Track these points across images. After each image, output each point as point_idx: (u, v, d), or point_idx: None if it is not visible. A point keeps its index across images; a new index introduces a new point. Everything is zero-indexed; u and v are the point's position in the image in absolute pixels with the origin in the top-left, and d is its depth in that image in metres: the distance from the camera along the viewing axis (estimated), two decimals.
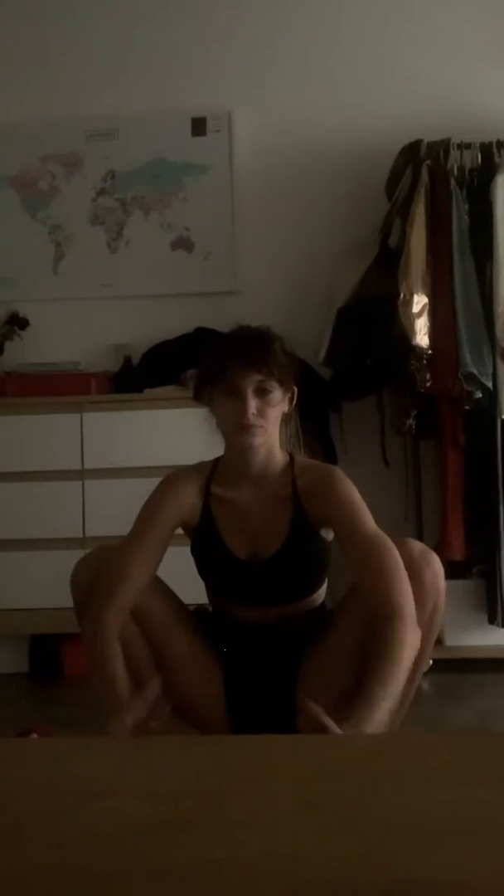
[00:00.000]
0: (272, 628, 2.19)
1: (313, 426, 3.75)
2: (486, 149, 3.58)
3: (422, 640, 1.98)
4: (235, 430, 2.11)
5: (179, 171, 4.04)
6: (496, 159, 3.55)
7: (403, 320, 3.37)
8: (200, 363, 2.25)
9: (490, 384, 3.37)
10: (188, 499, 2.19)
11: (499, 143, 3.56)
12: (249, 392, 2.09)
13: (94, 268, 4.03)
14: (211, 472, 2.23)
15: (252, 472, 2.18)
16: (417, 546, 2.21)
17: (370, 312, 3.53)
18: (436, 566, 2.19)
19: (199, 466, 2.25)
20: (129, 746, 1.35)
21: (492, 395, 3.40)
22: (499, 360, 3.42)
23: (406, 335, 3.35)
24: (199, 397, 2.20)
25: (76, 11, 4.10)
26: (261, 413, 2.10)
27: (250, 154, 4.02)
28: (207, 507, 2.19)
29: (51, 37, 4.10)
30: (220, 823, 0.96)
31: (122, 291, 4.02)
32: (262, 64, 4.04)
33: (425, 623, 2.07)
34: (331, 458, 3.84)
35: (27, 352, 3.89)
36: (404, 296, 3.39)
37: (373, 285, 3.58)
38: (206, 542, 2.19)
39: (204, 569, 2.23)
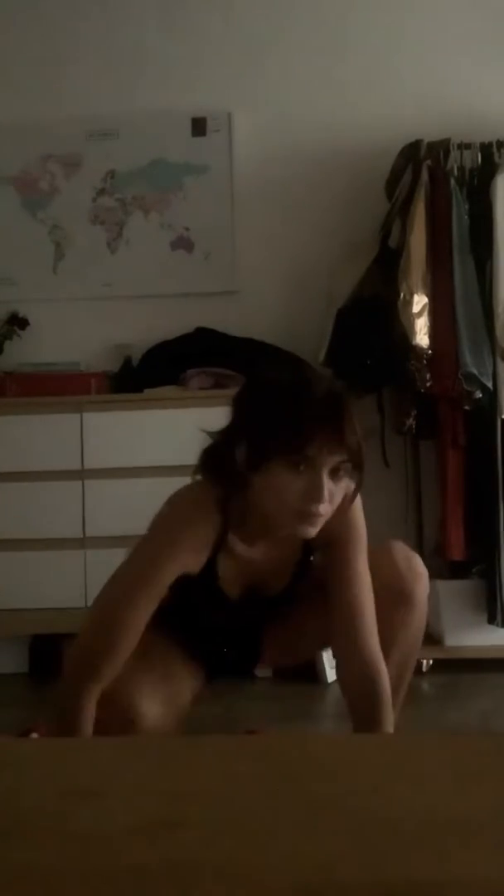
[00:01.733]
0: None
1: None
2: (486, 149, 3.58)
3: (411, 648, 2.00)
4: (296, 515, 1.72)
5: (179, 171, 4.04)
6: (496, 159, 3.55)
7: (403, 320, 3.37)
8: (255, 416, 1.77)
9: (490, 384, 3.37)
10: (197, 555, 1.84)
11: (499, 143, 3.57)
12: (326, 473, 1.70)
13: (94, 268, 4.04)
14: (225, 519, 1.84)
15: (275, 538, 1.88)
16: (402, 556, 2.01)
17: (370, 313, 3.53)
18: (424, 580, 2.04)
19: (212, 505, 1.83)
20: (128, 746, 1.35)
21: (492, 395, 3.40)
22: (499, 360, 3.43)
23: (406, 335, 3.35)
24: (249, 446, 1.75)
25: (76, 12, 4.10)
26: (330, 500, 1.72)
27: (250, 154, 4.02)
28: (213, 559, 1.86)
29: (51, 37, 4.10)
30: (220, 824, 0.96)
31: (122, 291, 4.02)
32: (262, 64, 4.04)
33: (413, 636, 2.03)
34: None
35: (27, 352, 3.89)
36: (404, 296, 3.39)
37: (373, 285, 3.58)
38: (199, 586, 1.87)
39: (187, 597, 1.88)
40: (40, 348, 3.92)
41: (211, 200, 4.02)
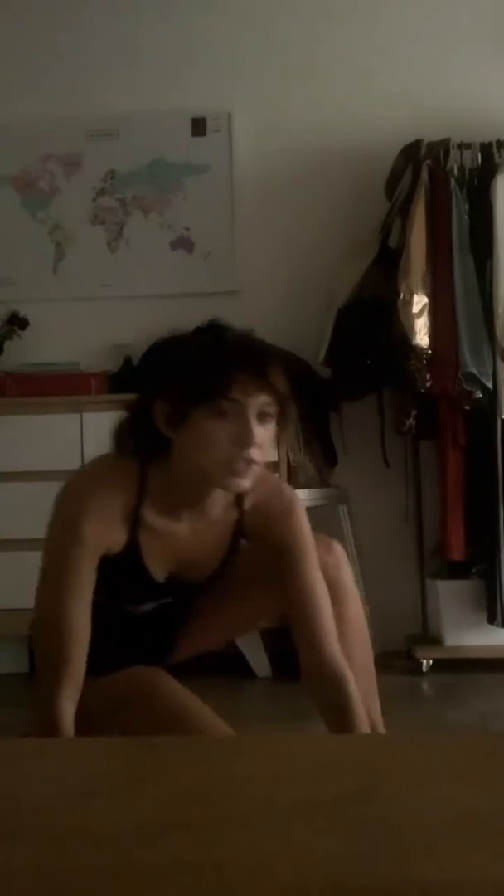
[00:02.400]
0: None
1: (313, 426, 3.76)
2: (486, 149, 3.58)
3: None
4: (226, 465, 1.64)
5: (179, 171, 4.04)
6: (496, 159, 3.55)
7: (403, 320, 3.37)
8: (175, 371, 1.70)
9: (490, 384, 3.37)
10: (112, 533, 1.74)
11: (499, 143, 3.56)
12: (253, 417, 1.63)
13: (94, 268, 4.03)
14: (140, 490, 1.75)
15: (200, 507, 1.79)
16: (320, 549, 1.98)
17: (370, 312, 3.53)
18: (344, 565, 2.05)
19: (121, 477, 1.75)
20: (128, 746, 1.35)
21: (492, 395, 3.40)
22: (499, 360, 3.42)
23: (406, 335, 3.35)
24: (168, 400, 1.67)
25: (77, 11, 4.10)
26: (260, 446, 1.64)
27: (250, 154, 4.02)
28: (134, 536, 1.76)
29: (51, 37, 4.10)
30: (220, 824, 0.96)
31: (122, 291, 4.01)
32: (262, 64, 4.04)
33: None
34: (331, 458, 3.84)
35: (27, 352, 3.89)
36: (404, 296, 3.39)
37: (373, 285, 3.58)
38: (122, 567, 1.77)
39: (110, 581, 1.76)
40: (40, 348, 3.92)
41: (211, 200, 4.02)
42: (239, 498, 1.83)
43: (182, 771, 1.19)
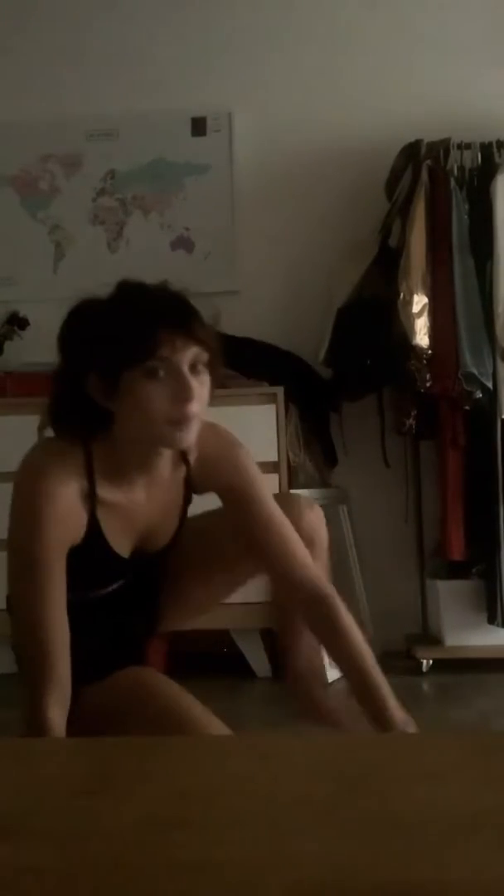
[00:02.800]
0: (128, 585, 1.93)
1: (313, 426, 3.76)
2: (486, 149, 3.58)
3: None
4: (168, 424, 1.61)
5: (179, 171, 4.04)
6: (496, 159, 3.55)
7: (403, 320, 3.37)
8: (99, 340, 1.65)
9: (490, 384, 3.37)
10: (75, 522, 1.69)
11: (499, 143, 3.56)
12: (186, 370, 1.60)
13: (95, 268, 4.03)
14: (89, 470, 1.70)
15: (151, 471, 1.77)
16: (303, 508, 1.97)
17: (370, 312, 3.53)
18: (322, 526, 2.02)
19: (69, 462, 1.69)
20: (129, 746, 1.35)
21: (492, 395, 3.40)
22: (499, 360, 3.42)
23: (406, 335, 3.35)
24: (97, 370, 1.64)
25: (77, 11, 4.10)
26: (198, 398, 1.62)
27: (250, 154, 4.02)
28: (94, 518, 1.72)
29: (51, 36, 4.10)
30: (219, 824, 0.96)
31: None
32: (262, 64, 4.04)
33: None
34: (331, 458, 3.84)
35: (27, 352, 3.88)
36: (404, 296, 3.39)
37: (373, 285, 3.58)
38: (88, 550, 1.73)
39: (76, 570, 1.71)
40: (40, 348, 3.88)
41: (211, 200, 4.02)
42: (184, 453, 1.81)
43: (181, 771, 1.18)
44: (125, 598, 1.90)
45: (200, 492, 1.88)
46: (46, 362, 3.84)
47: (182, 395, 1.59)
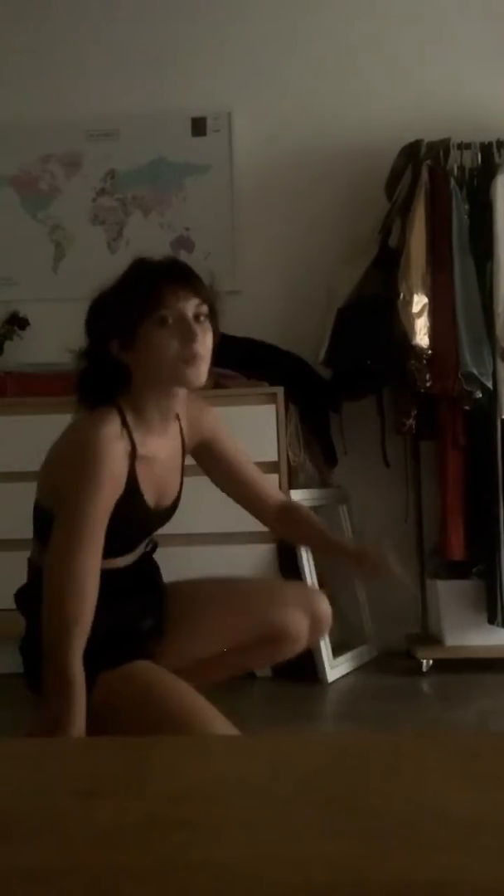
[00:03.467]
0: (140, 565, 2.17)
1: (313, 426, 3.76)
2: (486, 149, 3.58)
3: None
4: (180, 362, 1.89)
5: (179, 171, 4.04)
6: (496, 159, 3.55)
7: (403, 320, 3.37)
8: (116, 304, 1.97)
9: (490, 384, 3.37)
10: (121, 471, 1.93)
11: (499, 143, 3.56)
12: (191, 318, 1.90)
13: (95, 268, 3.98)
14: (124, 424, 1.96)
15: (168, 419, 2.04)
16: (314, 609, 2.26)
17: (370, 312, 3.52)
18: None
19: (109, 420, 1.93)
20: (129, 746, 1.35)
21: (492, 395, 3.40)
22: (499, 360, 3.42)
23: (406, 335, 3.35)
24: (117, 334, 1.93)
25: (76, 11, 4.09)
26: (202, 341, 1.91)
27: (250, 154, 4.02)
28: (133, 469, 1.96)
29: (51, 36, 4.10)
30: (219, 824, 0.96)
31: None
32: (262, 64, 4.03)
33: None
34: (330, 458, 3.84)
35: (27, 352, 3.89)
36: (404, 296, 3.38)
37: (373, 285, 3.57)
38: (124, 503, 1.94)
39: (115, 530, 1.93)
40: (40, 348, 3.90)
41: (211, 200, 4.02)
42: (177, 414, 2.08)
43: (180, 771, 1.18)
44: (134, 586, 2.10)
45: (189, 448, 2.16)
46: (46, 362, 3.89)
47: (189, 336, 1.88)
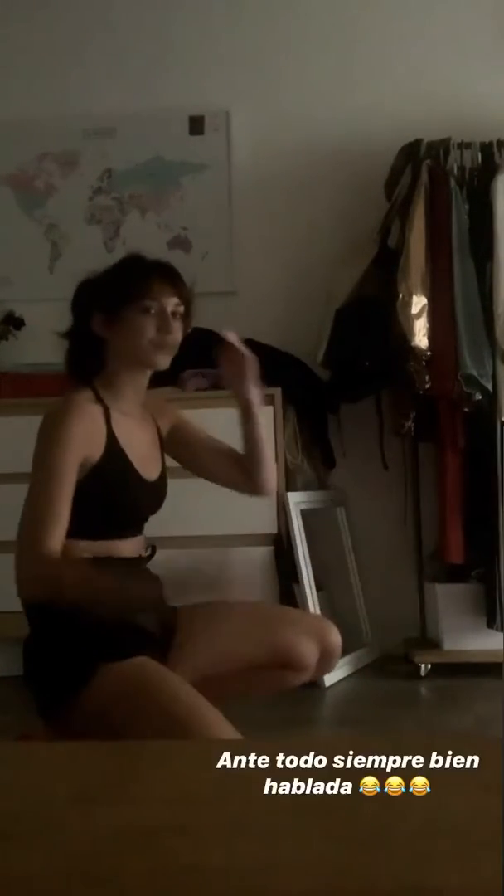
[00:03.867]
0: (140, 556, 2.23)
1: (311, 428, 3.75)
2: (486, 149, 3.58)
3: None
4: (153, 347, 2.11)
5: (177, 170, 4.03)
6: (496, 159, 3.55)
7: (402, 321, 3.36)
8: (109, 285, 2.17)
9: (490, 386, 3.36)
10: (94, 427, 2.08)
11: (499, 143, 3.56)
12: (169, 312, 2.12)
13: (91, 267, 3.98)
14: (98, 396, 2.14)
15: (139, 402, 2.22)
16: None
17: (369, 313, 3.52)
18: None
19: (85, 395, 2.12)
20: (127, 751, 1.34)
21: (491, 396, 3.39)
22: (499, 362, 3.41)
23: (405, 336, 3.34)
24: (103, 309, 2.14)
25: (74, 9, 4.09)
26: (175, 333, 2.13)
27: (248, 153, 4.01)
28: (112, 434, 2.10)
29: (48, 34, 4.09)
30: (216, 829, 0.96)
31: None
32: (260, 63, 4.03)
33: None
34: (329, 460, 3.83)
35: (23, 352, 3.87)
36: (403, 297, 3.38)
37: (372, 286, 3.58)
38: (113, 465, 2.09)
39: (109, 499, 2.09)
40: (36, 348, 3.89)
41: (209, 200, 4.01)
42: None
43: (178, 775, 1.18)
44: (139, 581, 2.16)
45: (164, 436, 2.30)
46: (42, 363, 3.87)
47: (165, 327, 2.10)
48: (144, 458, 2.19)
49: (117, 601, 2.01)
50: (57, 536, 1.98)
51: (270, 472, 2.35)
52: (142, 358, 2.14)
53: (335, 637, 2.27)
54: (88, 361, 2.19)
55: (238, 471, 2.33)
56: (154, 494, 2.23)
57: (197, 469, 2.36)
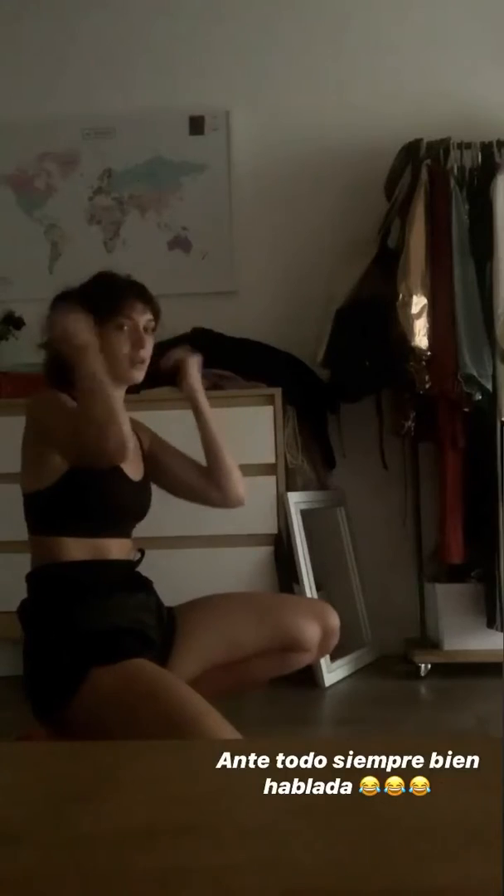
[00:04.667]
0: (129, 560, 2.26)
1: (311, 428, 3.74)
2: (486, 149, 3.57)
3: None
4: (129, 363, 2.20)
5: (177, 170, 4.03)
6: (496, 159, 3.54)
7: (402, 321, 3.35)
8: (82, 298, 2.23)
9: (490, 386, 3.35)
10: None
11: (499, 143, 3.55)
12: (142, 328, 2.22)
13: (91, 267, 3.94)
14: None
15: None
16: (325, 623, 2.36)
17: (369, 313, 3.52)
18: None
19: (62, 396, 2.19)
20: (127, 750, 1.33)
21: (491, 396, 3.38)
22: (499, 362, 3.40)
23: (405, 336, 3.34)
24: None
25: (73, 9, 4.09)
26: (147, 350, 2.23)
27: (248, 153, 4.01)
28: None
29: (48, 34, 4.09)
30: (218, 828, 0.96)
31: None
32: (260, 63, 4.03)
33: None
34: (328, 460, 3.82)
35: (22, 352, 3.86)
36: (403, 297, 3.37)
37: (372, 286, 3.57)
38: (95, 474, 2.12)
39: (97, 493, 2.15)
40: (36, 349, 3.88)
41: (209, 200, 4.01)
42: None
43: (180, 774, 1.18)
44: (130, 584, 2.20)
45: (144, 445, 2.38)
46: (42, 363, 3.86)
47: (139, 343, 2.20)
48: (128, 459, 2.20)
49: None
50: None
51: (233, 478, 2.39)
52: (118, 373, 2.19)
53: (334, 618, 2.35)
54: (67, 374, 2.18)
55: (206, 482, 2.38)
56: (139, 495, 2.27)
57: (168, 484, 2.41)
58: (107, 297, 2.22)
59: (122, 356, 2.19)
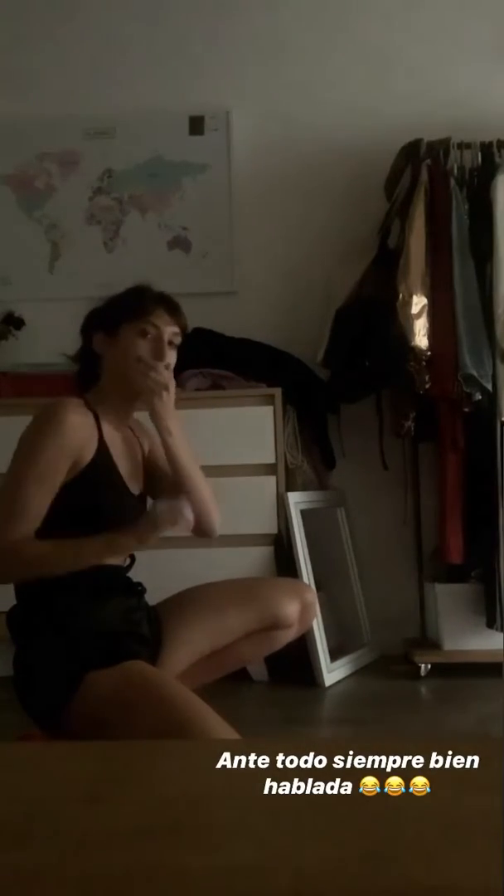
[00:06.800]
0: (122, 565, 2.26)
1: (311, 428, 3.74)
2: (486, 149, 3.56)
3: None
4: (146, 372, 2.14)
5: (177, 171, 4.02)
6: (496, 159, 3.54)
7: (402, 321, 3.35)
8: (108, 307, 2.26)
9: (490, 386, 3.35)
10: (87, 431, 2.11)
11: (499, 143, 3.55)
12: (166, 339, 2.17)
13: (91, 267, 4.01)
14: (92, 406, 2.17)
15: (127, 421, 2.27)
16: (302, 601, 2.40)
17: (369, 313, 3.52)
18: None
19: (73, 399, 2.15)
20: (126, 750, 1.33)
21: (491, 397, 3.38)
22: (499, 362, 3.40)
23: (405, 336, 3.33)
24: (104, 327, 2.20)
25: (74, 9, 4.09)
26: (168, 366, 2.19)
27: (248, 153, 4.01)
28: (103, 442, 2.14)
29: (48, 34, 4.09)
30: (219, 829, 0.95)
31: (118, 291, 3.99)
32: (260, 63, 4.03)
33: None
34: (329, 460, 3.82)
35: (23, 352, 3.87)
36: (403, 297, 3.37)
37: (372, 286, 3.57)
38: (103, 479, 2.13)
39: (96, 502, 2.10)
40: (36, 348, 3.89)
41: (209, 200, 4.00)
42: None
43: (178, 775, 1.18)
44: (123, 588, 2.21)
45: (145, 451, 2.34)
46: (42, 363, 3.87)
47: (159, 353, 2.15)
48: (129, 472, 2.22)
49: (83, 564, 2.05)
50: (19, 533, 1.99)
51: (208, 510, 2.27)
52: (131, 377, 2.17)
53: (311, 594, 2.44)
54: (86, 376, 2.25)
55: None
56: (136, 508, 2.22)
57: (154, 495, 2.33)
58: (134, 302, 2.21)
59: (136, 362, 2.15)
